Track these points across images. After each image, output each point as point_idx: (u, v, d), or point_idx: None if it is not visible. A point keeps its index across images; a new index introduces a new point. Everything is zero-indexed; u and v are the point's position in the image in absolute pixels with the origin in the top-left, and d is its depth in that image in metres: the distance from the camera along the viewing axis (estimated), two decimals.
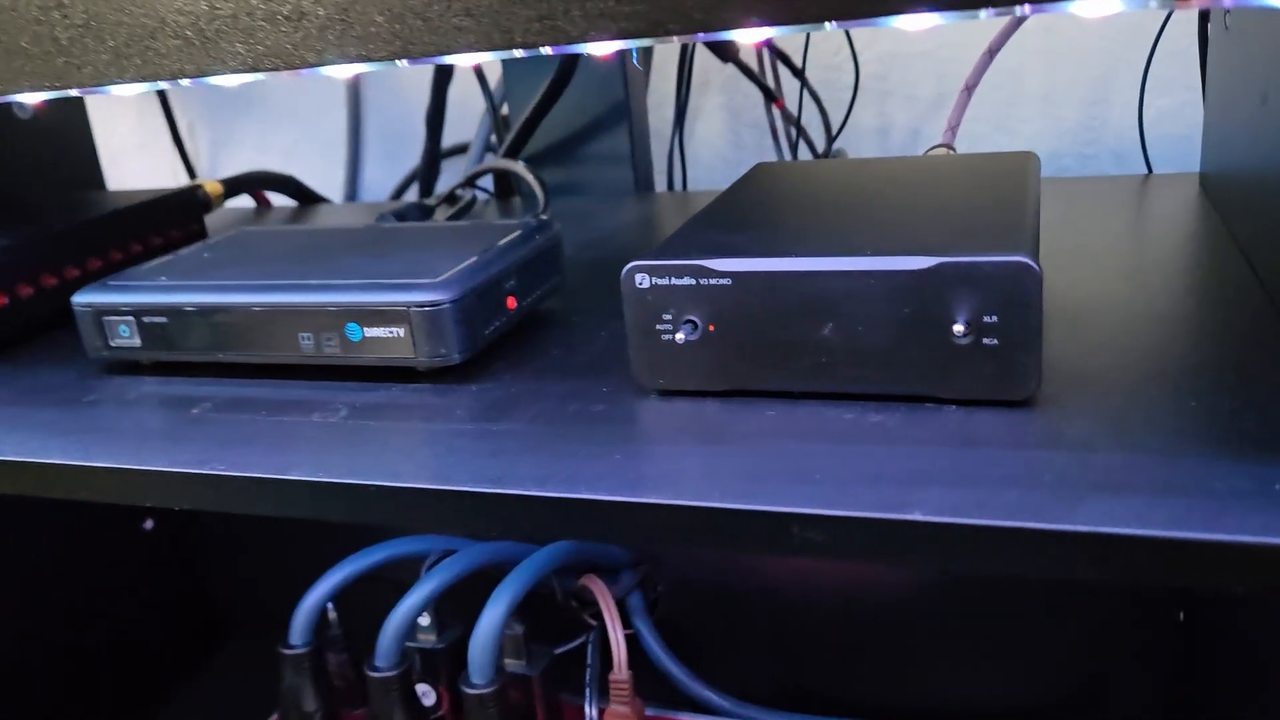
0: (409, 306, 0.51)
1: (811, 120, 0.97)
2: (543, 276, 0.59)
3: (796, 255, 0.45)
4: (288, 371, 0.56)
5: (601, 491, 0.40)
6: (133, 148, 1.25)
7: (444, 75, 1.00)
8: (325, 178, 1.19)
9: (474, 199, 0.83)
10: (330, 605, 0.91)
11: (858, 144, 0.98)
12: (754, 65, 0.91)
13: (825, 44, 1.00)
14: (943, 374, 0.44)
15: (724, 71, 1.03)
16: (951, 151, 0.73)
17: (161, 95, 1.17)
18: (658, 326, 0.47)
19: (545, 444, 0.45)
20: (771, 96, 0.89)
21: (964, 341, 0.43)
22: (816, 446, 0.42)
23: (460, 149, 1.04)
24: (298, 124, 1.20)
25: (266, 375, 0.56)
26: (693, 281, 0.46)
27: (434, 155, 1.03)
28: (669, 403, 0.48)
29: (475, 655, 0.76)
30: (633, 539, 0.40)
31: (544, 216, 0.71)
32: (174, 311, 0.55)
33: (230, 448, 0.47)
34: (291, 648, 0.85)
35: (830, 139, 0.93)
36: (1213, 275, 0.55)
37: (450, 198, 0.85)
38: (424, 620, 0.88)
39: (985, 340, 0.43)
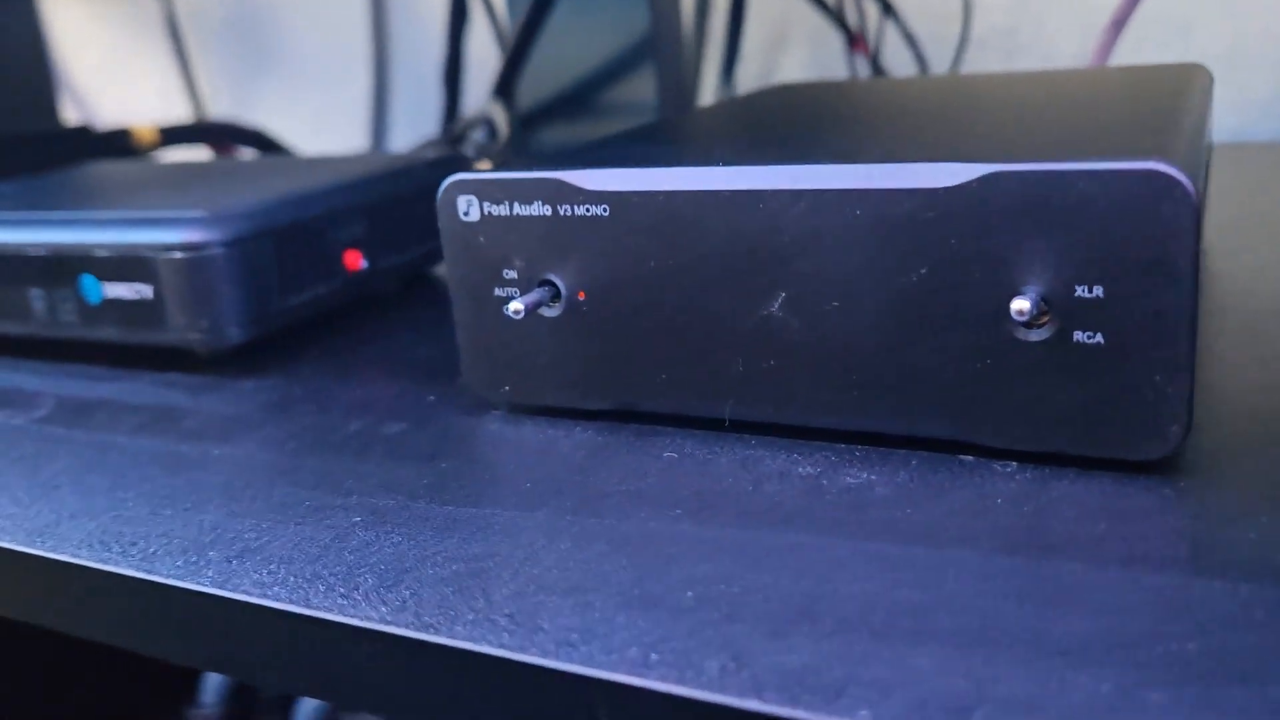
0: (156, 251, 0.32)
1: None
2: (431, 230, 0.40)
3: (725, 165, 0.24)
4: (45, 351, 0.38)
5: (261, 587, 0.20)
6: (154, 110, 1.13)
7: (459, 23, 0.83)
8: (351, 143, 1.05)
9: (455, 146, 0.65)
10: None
11: None
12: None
13: None
14: (992, 401, 0.22)
15: (806, 23, 0.82)
16: None
17: (182, 57, 1.04)
18: (496, 291, 0.27)
19: (257, 487, 0.25)
20: (851, 36, 0.68)
21: (1035, 336, 0.21)
22: (721, 533, 0.21)
23: None
24: (323, 87, 1.05)
25: (19, 353, 0.38)
26: (548, 211, 0.25)
27: (454, 113, 0.85)
28: (511, 427, 0.27)
29: None
30: (277, 681, 0.20)
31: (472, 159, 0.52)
32: None
33: None
34: (202, 708, 0.68)
35: None
36: None
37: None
38: None
39: (1078, 335, 0.21)
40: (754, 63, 0.83)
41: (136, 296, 0.33)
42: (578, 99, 0.70)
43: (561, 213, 0.25)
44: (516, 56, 0.61)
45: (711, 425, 0.26)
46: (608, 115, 0.70)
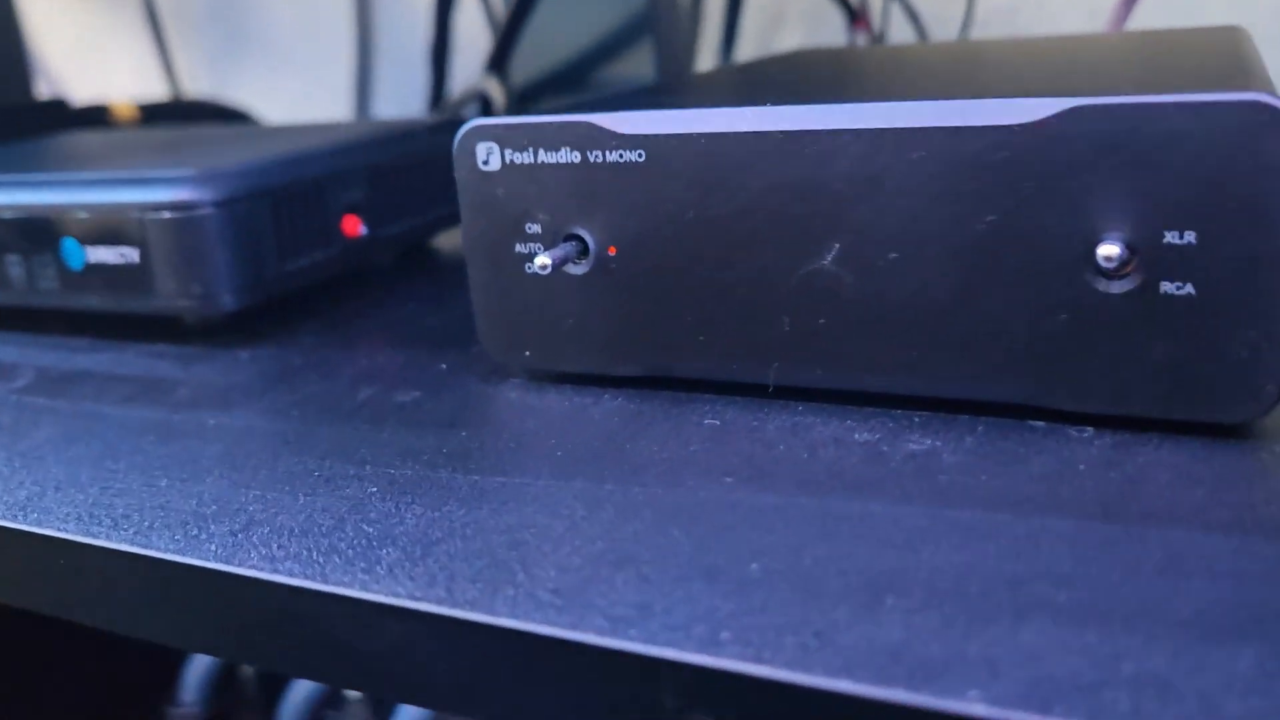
0: (143, 212, 0.30)
1: None
2: (433, 197, 0.38)
3: (773, 104, 0.22)
4: (22, 321, 0.36)
5: (271, 562, 0.18)
6: (130, 92, 1.10)
7: (446, 2, 0.80)
8: None
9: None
10: None
11: None
12: None
13: None
14: (1068, 361, 0.20)
15: (803, 1, 0.81)
16: None
17: (158, 36, 1.01)
18: (517, 248, 0.25)
19: (260, 457, 0.23)
20: (853, 13, 0.66)
21: (1117, 288, 0.20)
22: (780, 502, 0.19)
23: None
24: (304, 67, 1.03)
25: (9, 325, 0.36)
26: (577, 158, 0.23)
27: (440, 94, 0.83)
28: (533, 394, 0.25)
29: None
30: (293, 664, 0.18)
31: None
32: None
33: None
34: (181, 707, 0.66)
35: None
36: None
37: None
38: (353, 691, 0.67)
39: (1166, 286, 0.19)
40: (749, 42, 0.81)
41: (122, 261, 0.31)
42: (572, 76, 0.68)
43: (592, 160, 0.23)
44: (512, 30, 0.59)
45: (751, 391, 0.24)
46: (601, 91, 0.68)
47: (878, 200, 0.21)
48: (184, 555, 0.19)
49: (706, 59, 0.77)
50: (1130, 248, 0.19)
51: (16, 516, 0.21)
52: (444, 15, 0.79)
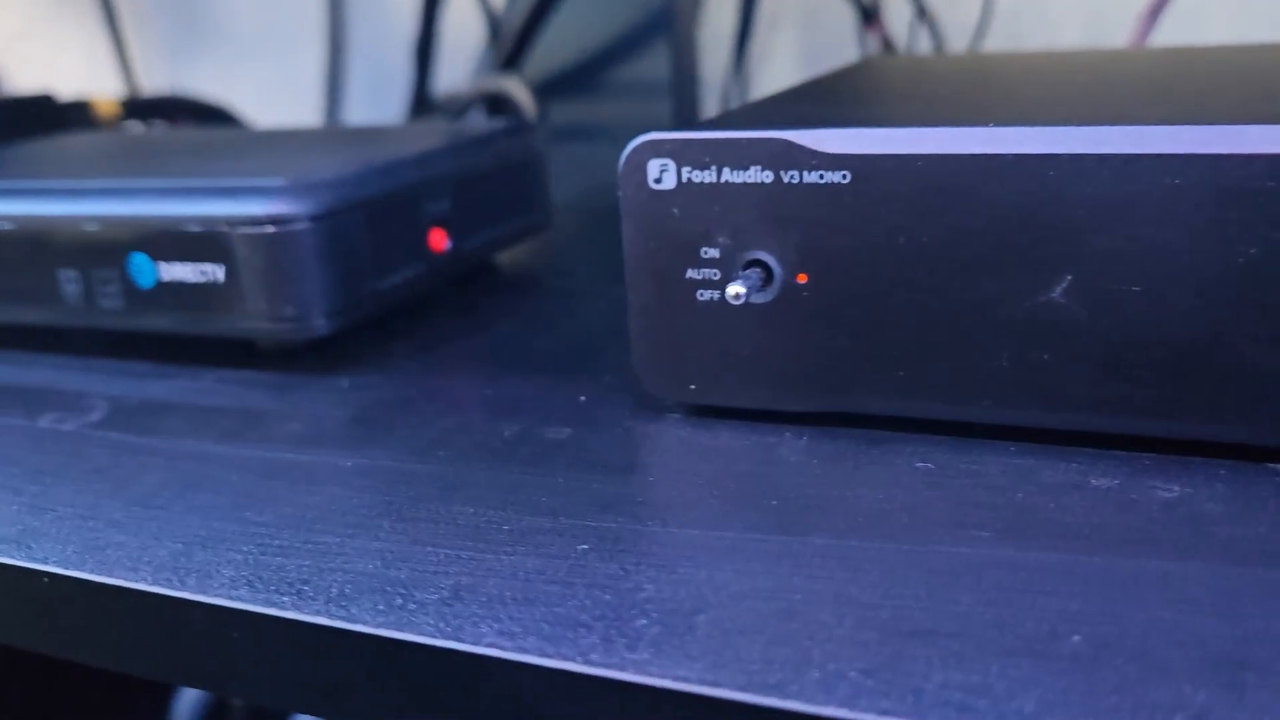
0: (232, 225, 0.27)
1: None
2: (508, 208, 0.36)
3: (1002, 124, 0.20)
4: (57, 343, 0.33)
5: (509, 638, 0.16)
6: (83, 84, 1.05)
7: None
8: (301, 120, 0.98)
9: None
10: None
11: None
12: None
13: None
14: None
15: (799, 4, 0.79)
16: None
17: (112, 23, 0.96)
18: (689, 273, 0.23)
19: (429, 506, 0.21)
20: (866, 13, 0.65)
21: None
22: (1057, 560, 0.18)
23: None
24: (270, 57, 0.98)
25: (41, 347, 0.33)
26: (769, 177, 0.22)
27: (423, 94, 0.80)
28: (704, 432, 0.23)
29: None
30: None
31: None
32: None
33: None
34: None
35: None
36: None
37: None
38: None
39: None
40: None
41: (202, 279, 0.28)
42: (580, 74, 0.65)
43: (787, 180, 0.22)
44: (530, 26, 0.57)
45: (946, 428, 0.22)
46: (611, 93, 0.66)
47: (1121, 230, 0.20)
48: (397, 630, 0.17)
49: (714, 59, 0.75)
50: None
51: (170, 581, 0.19)
52: (431, 8, 0.77)
